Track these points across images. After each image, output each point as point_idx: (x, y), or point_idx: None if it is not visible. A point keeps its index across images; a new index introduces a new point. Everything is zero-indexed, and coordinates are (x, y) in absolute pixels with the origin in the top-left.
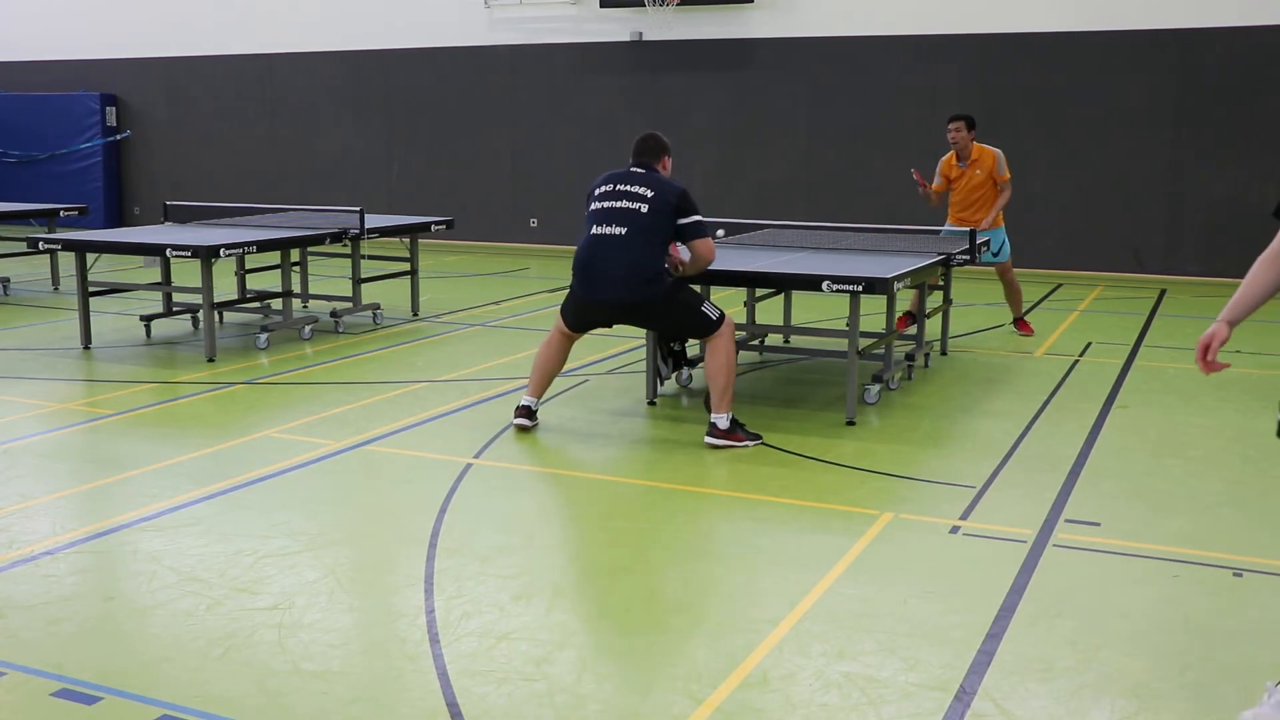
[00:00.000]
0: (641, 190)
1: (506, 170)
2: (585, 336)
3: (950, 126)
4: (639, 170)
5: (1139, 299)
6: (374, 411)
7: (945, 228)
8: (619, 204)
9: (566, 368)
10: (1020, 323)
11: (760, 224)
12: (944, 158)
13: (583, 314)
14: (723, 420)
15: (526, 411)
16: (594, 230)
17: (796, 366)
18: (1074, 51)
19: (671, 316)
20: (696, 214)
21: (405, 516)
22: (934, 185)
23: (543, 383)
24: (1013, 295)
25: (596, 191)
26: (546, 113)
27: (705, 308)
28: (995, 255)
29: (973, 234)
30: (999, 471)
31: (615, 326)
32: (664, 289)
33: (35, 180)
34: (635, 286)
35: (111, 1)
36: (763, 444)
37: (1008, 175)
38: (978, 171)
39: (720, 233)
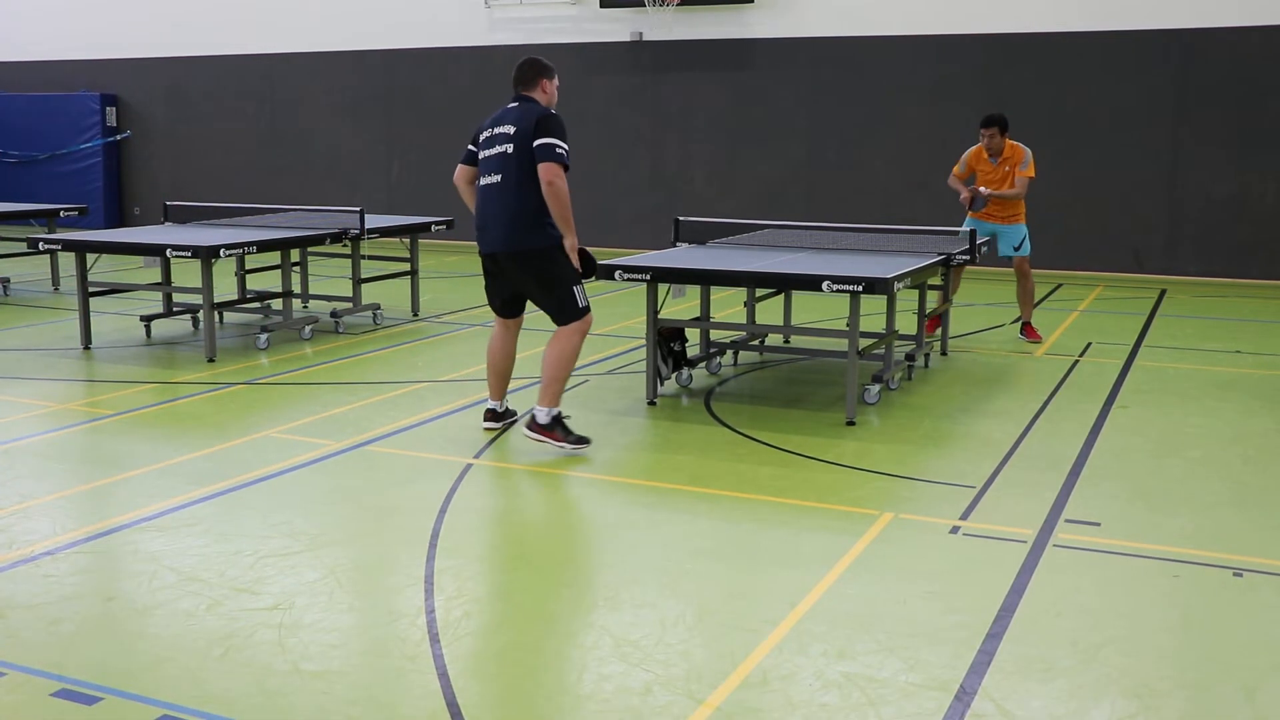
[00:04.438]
0: (508, 129)
1: None
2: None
3: (985, 133)
4: (513, 105)
5: (1139, 299)
6: (374, 411)
7: (967, 221)
8: (495, 150)
9: None
10: (1028, 328)
11: (760, 224)
12: (973, 149)
13: (490, 281)
14: (543, 414)
15: (491, 415)
16: (481, 181)
17: (796, 366)
18: (1074, 51)
19: (547, 277)
20: (553, 136)
21: (405, 516)
22: (954, 171)
23: (495, 383)
24: (1025, 296)
25: (481, 136)
26: None
27: (577, 290)
28: (1016, 250)
29: (973, 234)
30: (999, 471)
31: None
32: (550, 240)
33: (35, 180)
34: (517, 234)
35: (111, 1)
36: (585, 449)
37: (1031, 174)
38: (1007, 167)
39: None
